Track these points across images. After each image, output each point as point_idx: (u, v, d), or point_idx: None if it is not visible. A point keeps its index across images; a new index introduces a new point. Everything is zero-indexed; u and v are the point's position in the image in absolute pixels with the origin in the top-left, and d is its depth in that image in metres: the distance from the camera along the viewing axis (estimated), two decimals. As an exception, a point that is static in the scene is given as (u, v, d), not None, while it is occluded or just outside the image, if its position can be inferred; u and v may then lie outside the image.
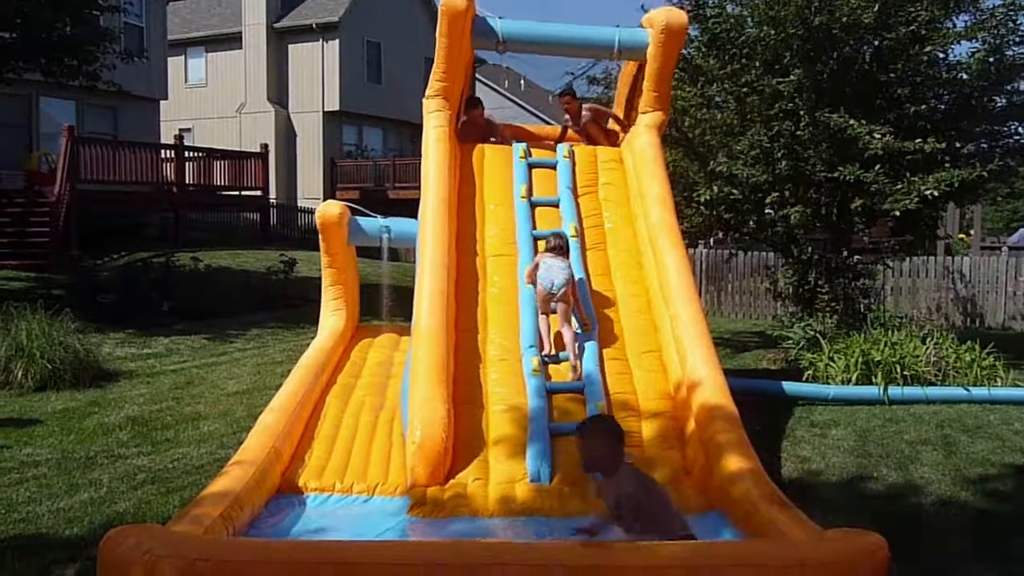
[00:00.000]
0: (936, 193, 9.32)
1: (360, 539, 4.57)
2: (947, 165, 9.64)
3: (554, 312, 6.64)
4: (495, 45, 8.29)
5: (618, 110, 9.26)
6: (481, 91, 38.91)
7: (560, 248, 6.84)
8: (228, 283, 14.84)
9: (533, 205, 7.80)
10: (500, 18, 8.26)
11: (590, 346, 6.51)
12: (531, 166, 8.15)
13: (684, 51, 11.18)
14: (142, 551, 3.43)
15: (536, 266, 6.71)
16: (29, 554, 4.83)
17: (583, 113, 9.02)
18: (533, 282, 6.71)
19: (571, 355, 6.41)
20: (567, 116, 9.09)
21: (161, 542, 3.52)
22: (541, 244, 7.23)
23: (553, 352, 6.58)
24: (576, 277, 6.79)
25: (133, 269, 14.11)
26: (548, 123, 9.76)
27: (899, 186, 9.51)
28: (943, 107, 10.55)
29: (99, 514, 5.47)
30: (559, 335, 6.62)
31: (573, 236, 7.42)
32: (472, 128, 8.66)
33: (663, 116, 8.30)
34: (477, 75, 36.39)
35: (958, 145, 10.20)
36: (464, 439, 5.74)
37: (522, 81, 46.24)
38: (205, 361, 10.48)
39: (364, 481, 5.62)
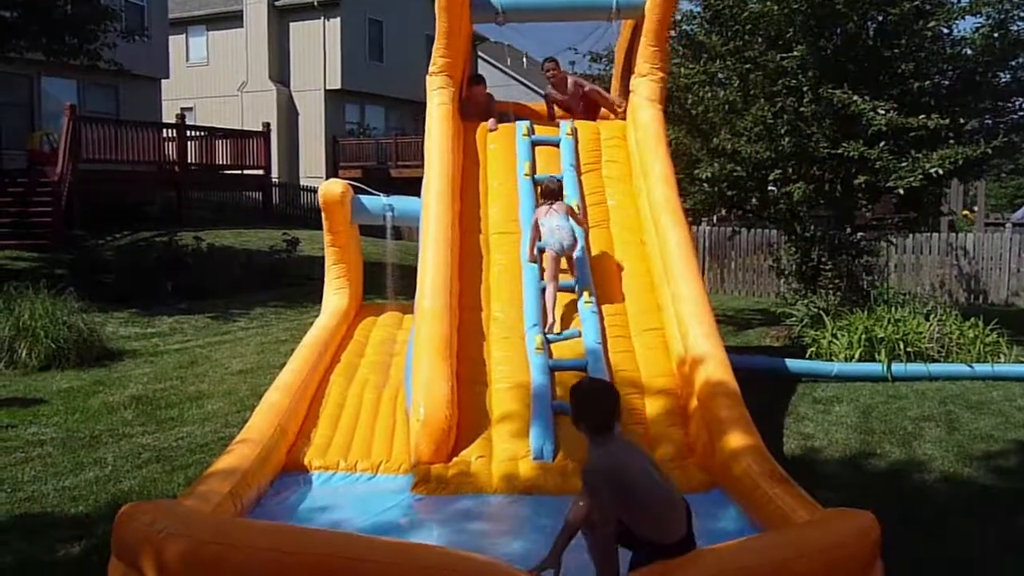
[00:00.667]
0: (940, 171, 9.29)
1: (368, 535, 4.47)
2: (951, 141, 9.60)
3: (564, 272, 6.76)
4: (494, 17, 8.28)
5: (615, 83, 9.21)
6: (484, 68, 38.78)
7: (556, 193, 6.98)
8: (231, 262, 14.83)
9: (536, 183, 7.78)
10: None
11: (593, 323, 6.51)
12: (534, 144, 8.12)
13: (687, 28, 11.13)
14: (157, 529, 3.46)
15: (537, 229, 6.79)
16: (35, 532, 4.87)
17: (572, 82, 8.95)
18: (533, 257, 6.86)
19: (550, 312, 6.61)
20: (550, 86, 9.02)
21: (175, 520, 3.54)
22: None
23: (558, 330, 6.59)
24: (579, 240, 6.92)
25: (136, 249, 14.14)
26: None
27: (903, 163, 9.48)
28: (947, 83, 10.50)
29: (104, 492, 5.50)
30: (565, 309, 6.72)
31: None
32: (474, 105, 8.61)
33: (662, 81, 8.23)
34: (479, 53, 36.26)
35: (962, 121, 10.16)
36: (468, 417, 5.75)
37: (524, 59, 46.01)
38: (209, 340, 10.51)
39: (368, 459, 5.64)
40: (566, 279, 6.88)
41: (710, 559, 3.49)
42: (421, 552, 3.47)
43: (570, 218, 6.85)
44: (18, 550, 4.61)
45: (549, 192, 7.01)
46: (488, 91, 8.89)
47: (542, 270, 6.88)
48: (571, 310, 6.76)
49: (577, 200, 7.52)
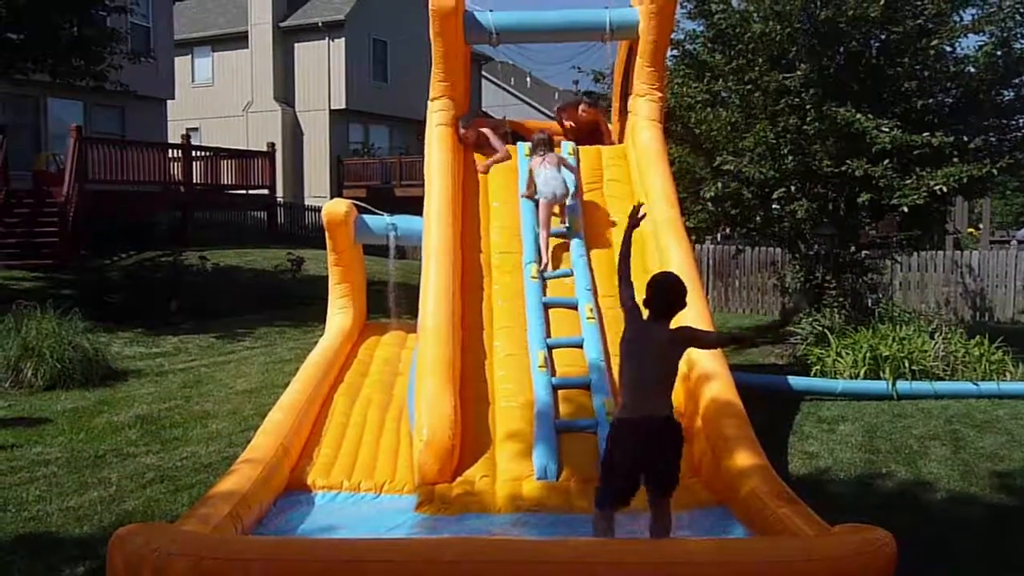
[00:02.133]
0: (945, 188, 9.30)
1: (368, 536, 4.60)
2: (955, 159, 9.61)
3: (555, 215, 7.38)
4: (488, 38, 8.31)
5: (615, 102, 9.26)
6: (487, 89, 38.98)
7: (545, 143, 7.65)
8: (236, 282, 14.87)
9: (537, 203, 7.79)
10: (491, 11, 8.28)
11: (596, 338, 6.51)
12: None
13: (689, 47, 11.18)
14: (151, 549, 3.45)
15: (532, 177, 7.44)
16: (39, 552, 4.86)
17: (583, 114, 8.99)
18: (531, 195, 7.47)
19: (544, 255, 7.22)
20: (570, 123, 9.01)
21: (170, 540, 3.53)
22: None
23: (552, 270, 7.20)
24: (570, 188, 7.49)
25: (141, 269, 14.17)
26: (552, 119, 9.72)
27: (908, 181, 9.49)
28: (951, 101, 10.53)
29: (108, 513, 5.49)
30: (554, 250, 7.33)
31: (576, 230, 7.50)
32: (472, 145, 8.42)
33: (660, 101, 8.26)
34: (483, 73, 36.43)
35: (966, 139, 10.17)
36: (471, 436, 5.75)
37: (528, 78, 46.20)
38: (213, 360, 10.51)
39: (372, 479, 5.64)
40: (557, 226, 7.49)
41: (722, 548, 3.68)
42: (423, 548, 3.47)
43: (562, 167, 7.52)
44: (22, 571, 4.60)
45: (540, 143, 7.64)
46: (483, 129, 8.50)
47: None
48: (561, 250, 7.43)
49: (580, 220, 7.56)
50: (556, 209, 7.50)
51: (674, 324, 4.49)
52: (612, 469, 4.36)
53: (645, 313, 4.41)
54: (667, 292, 4.37)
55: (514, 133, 8.87)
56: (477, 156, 8.29)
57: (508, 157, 8.21)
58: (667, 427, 4.29)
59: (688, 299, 6.51)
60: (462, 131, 8.22)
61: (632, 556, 3.56)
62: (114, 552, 3.58)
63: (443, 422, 5.51)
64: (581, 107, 9.05)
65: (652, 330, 4.35)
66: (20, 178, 17.96)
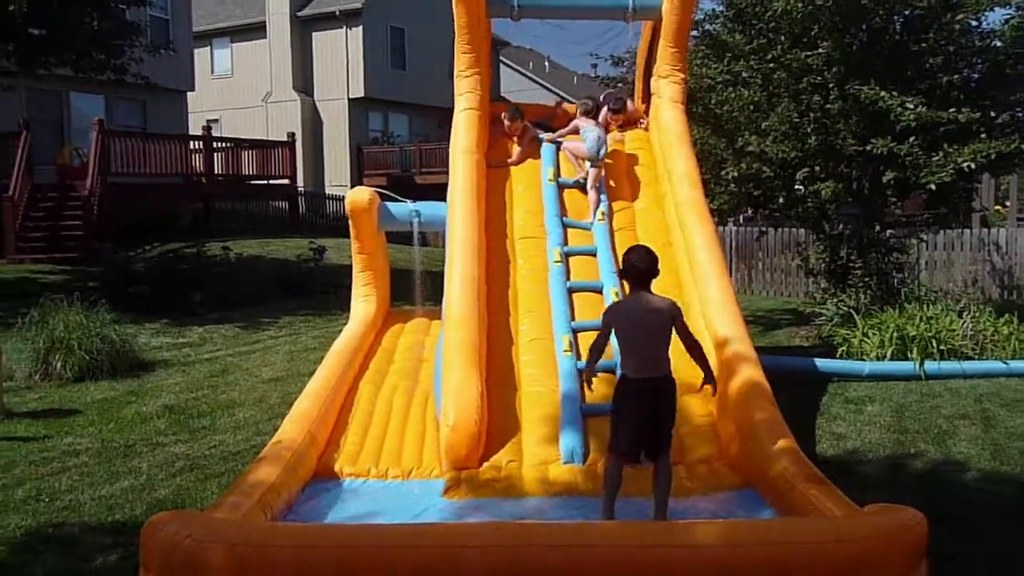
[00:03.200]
0: (972, 165, 9.18)
1: (396, 522, 4.62)
2: (982, 136, 9.48)
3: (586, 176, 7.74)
4: (510, 12, 8.21)
5: (638, 84, 9.16)
6: (505, 73, 38.86)
7: (593, 111, 8.10)
8: (259, 272, 14.93)
9: (561, 187, 7.78)
10: None
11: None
12: (559, 148, 8.12)
13: (710, 27, 11.09)
14: (184, 536, 3.48)
15: (577, 129, 7.90)
16: (72, 541, 4.92)
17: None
18: (558, 142, 8.07)
19: (593, 196, 7.61)
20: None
21: (202, 528, 3.56)
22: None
23: (584, 177, 7.70)
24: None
25: (165, 260, 14.24)
26: (572, 103, 9.64)
27: (934, 158, 9.37)
28: (977, 76, 10.38)
29: (140, 501, 5.55)
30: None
31: (601, 220, 7.42)
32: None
33: (683, 82, 8.17)
34: (502, 58, 36.30)
35: (993, 115, 10.04)
36: (498, 421, 5.75)
37: (546, 63, 46.02)
38: (239, 349, 10.58)
39: (399, 465, 5.65)
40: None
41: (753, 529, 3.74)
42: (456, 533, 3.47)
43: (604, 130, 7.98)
44: (57, 559, 4.65)
45: (587, 111, 8.09)
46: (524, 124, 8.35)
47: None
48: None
49: (603, 208, 7.54)
50: (591, 171, 7.70)
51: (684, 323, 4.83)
52: (621, 418, 4.71)
53: (626, 288, 4.86)
54: (636, 261, 4.73)
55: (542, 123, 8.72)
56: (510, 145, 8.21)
57: (520, 162, 8.13)
58: (667, 384, 4.70)
59: (713, 280, 6.56)
60: (508, 123, 8.19)
61: (665, 539, 3.56)
62: (147, 540, 3.62)
63: (470, 407, 5.51)
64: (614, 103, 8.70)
65: (641, 302, 4.71)
66: (44, 172, 18.12)
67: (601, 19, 9.19)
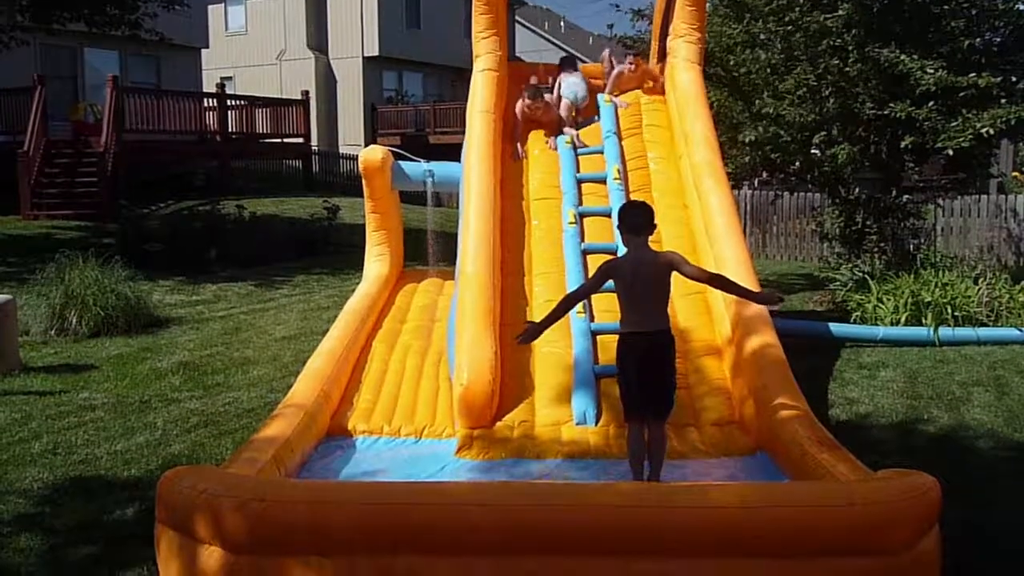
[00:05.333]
0: (992, 131, 9.07)
1: (409, 480, 4.65)
2: (1003, 100, 9.36)
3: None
4: None
5: (654, 44, 9.05)
6: (520, 33, 38.47)
7: (570, 62, 8.70)
8: (273, 230, 14.95)
9: (576, 149, 7.73)
10: None
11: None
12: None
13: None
14: (199, 490, 3.51)
15: (559, 84, 8.23)
16: (90, 494, 4.98)
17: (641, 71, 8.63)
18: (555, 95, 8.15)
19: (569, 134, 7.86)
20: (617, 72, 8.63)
21: (217, 482, 3.59)
22: (584, 187, 7.38)
23: (584, 145, 7.78)
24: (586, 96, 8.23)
25: (180, 218, 14.28)
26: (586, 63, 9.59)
27: (953, 123, 9.26)
28: (999, 40, 10.23)
29: (155, 456, 5.61)
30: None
31: (616, 179, 7.36)
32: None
33: (700, 42, 8.06)
34: (517, 18, 35.93)
35: (1014, 79, 9.90)
36: (511, 381, 5.76)
37: (562, 23, 45.52)
38: (252, 307, 10.62)
39: (412, 424, 5.68)
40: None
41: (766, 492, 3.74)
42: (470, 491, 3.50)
43: (584, 79, 8.40)
44: (74, 511, 4.72)
45: (567, 62, 8.71)
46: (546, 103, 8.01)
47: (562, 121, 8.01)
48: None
49: (618, 164, 7.47)
50: (573, 112, 8.06)
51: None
52: (625, 376, 4.72)
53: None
54: (630, 215, 4.77)
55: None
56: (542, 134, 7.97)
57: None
58: (665, 339, 4.69)
59: (729, 243, 6.52)
60: (527, 103, 7.78)
61: (680, 499, 3.57)
62: (163, 493, 3.65)
63: (483, 367, 5.52)
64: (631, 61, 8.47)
65: (637, 257, 4.68)
66: (59, 128, 18.12)
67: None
